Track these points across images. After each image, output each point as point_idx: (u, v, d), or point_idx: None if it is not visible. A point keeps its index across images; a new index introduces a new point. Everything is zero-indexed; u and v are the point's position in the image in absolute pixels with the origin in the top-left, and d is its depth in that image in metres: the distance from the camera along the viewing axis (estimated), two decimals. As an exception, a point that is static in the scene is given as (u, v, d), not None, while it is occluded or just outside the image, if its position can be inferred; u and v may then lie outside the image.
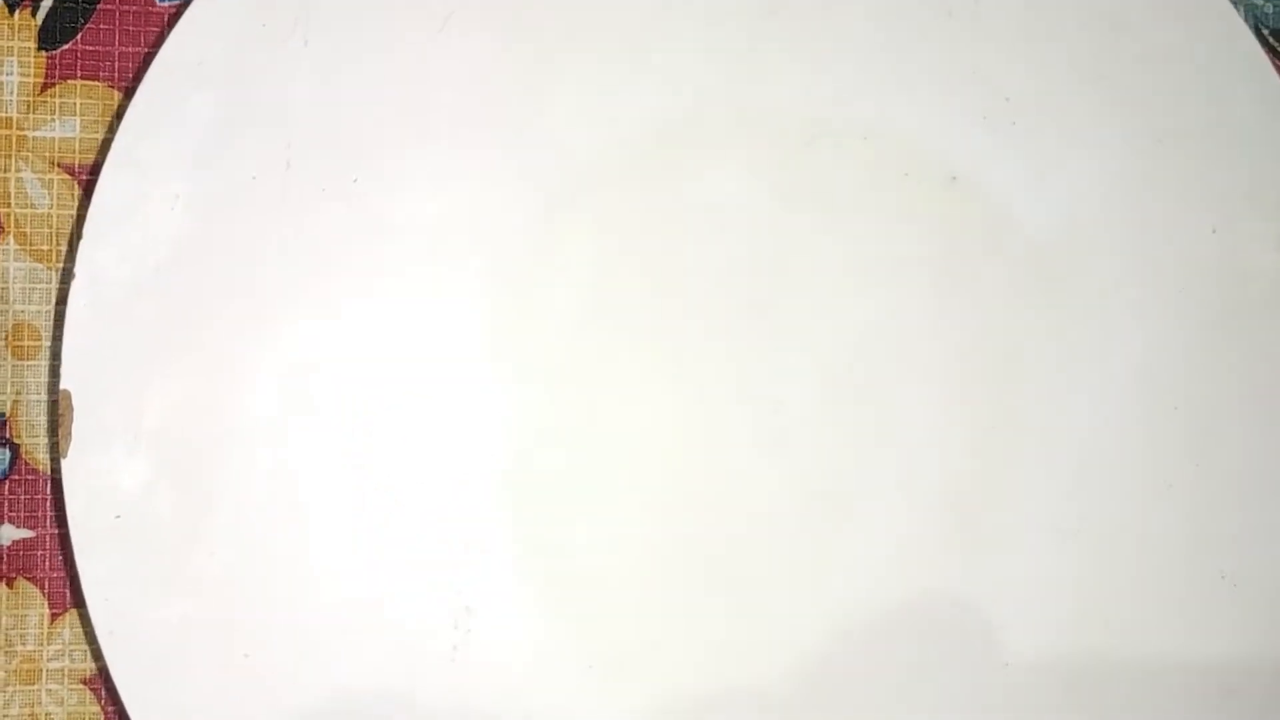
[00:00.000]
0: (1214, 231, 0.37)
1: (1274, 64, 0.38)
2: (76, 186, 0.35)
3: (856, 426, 0.35)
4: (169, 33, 0.34)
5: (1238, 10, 0.38)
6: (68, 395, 0.32)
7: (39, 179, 0.35)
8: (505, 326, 0.34)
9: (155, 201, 0.33)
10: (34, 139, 0.35)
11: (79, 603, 0.35)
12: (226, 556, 0.33)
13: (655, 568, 0.34)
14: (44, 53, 0.35)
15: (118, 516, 0.32)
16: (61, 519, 0.35)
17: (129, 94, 0.35)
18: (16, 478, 0.35)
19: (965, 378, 0.36)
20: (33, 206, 0.35)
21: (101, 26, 0.35)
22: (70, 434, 0.32)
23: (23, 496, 0.35)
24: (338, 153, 0.33)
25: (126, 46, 0.35)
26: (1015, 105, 0.36)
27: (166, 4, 0.35)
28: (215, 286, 0.33)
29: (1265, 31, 0.40)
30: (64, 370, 0.32)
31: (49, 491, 0.35)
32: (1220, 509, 0.36)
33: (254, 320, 0.33)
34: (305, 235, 0.33)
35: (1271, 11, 0.40)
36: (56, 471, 0.34)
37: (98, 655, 0.35)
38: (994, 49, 0.36)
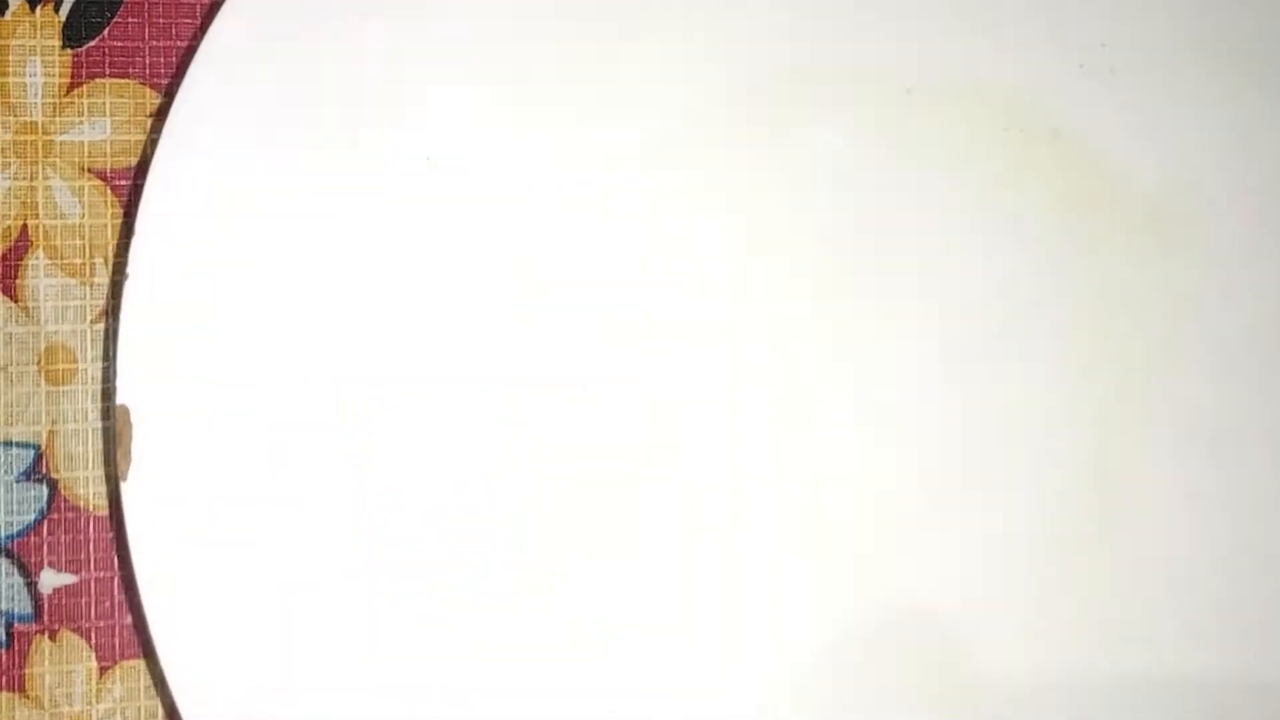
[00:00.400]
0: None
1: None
2: (110, 193, 0.32)
3: (966, 393, 0.33)
4: (205, 23, 0.32)
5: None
6: (125, 411, 0.29)
7: (69, 186, 0.32)
8: (583, 292, 0.31)
9: (209, 198, 0.30)
10: (62, 143, 0.32)
11: (132, 654, 0.31)
12: (302, 580, 0.29)
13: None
14: (69, 51, 0.32)
15: (183, 543, 0.29)
16: (109, 561, 0.31)
17: (164, 90, 0.32)
18: (56, 517, 0.31)
19: (1091, 340, 0.33)
20: (63, 217, 0.32)
21: (130, 20, 0.32)
22: (130, 454, 0.29)
23: (64, 538, 0.31)
24: (406, 132, 0.31)
25: (158, 40, 0.33)
26: (1112, 52, 0.34)
27: (201, -6, 0.33)
28: (278, 286, 0.30)
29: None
30: (119, 384, 0.29)
31: (94, 531, 0.31)
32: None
33: (319, 321, 0.30)
34: (372, 224, 0.30)
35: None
36: (108, 505, 0.31)
37: (153, 712, 0.31)
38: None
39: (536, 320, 0.31)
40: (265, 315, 0.30)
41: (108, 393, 0.31)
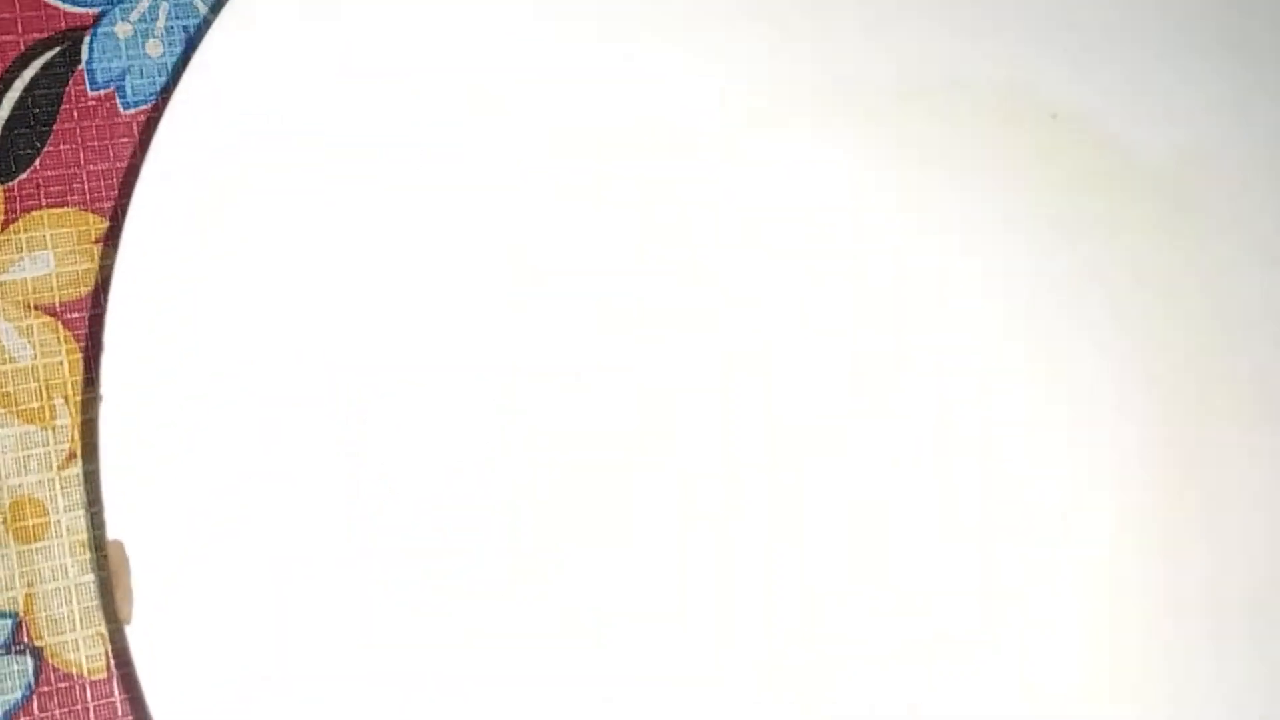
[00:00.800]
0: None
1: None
2: (62, 328, 0.29)
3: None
4: (144, 139, 0.30)
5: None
6: (119, 546, 0.26)
7: (15, 328, 0.29)
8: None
9: (171, 314, 0.27)
10: (3, 284, 0.29)
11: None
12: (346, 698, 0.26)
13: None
14: (0, 186, 0.30)
15: (211, 686, 0.26)
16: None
17: (108, 214, 0.30)
18: (47, 689, 0.28)
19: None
20: (13, 360, 0.29)
21: (63, 147, 0.30)
22: (130, 592, 0.26)
23: (58, 712, 0.28)
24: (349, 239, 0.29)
25: (96, 164, 0.31)
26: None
27: (132, 111, 0.31)
28: (251, 397, 0.28)
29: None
30: (109, 519, 0.26)
31: (92, 699, 0.28)
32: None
33: (298, 427, 0.28)
34: (326, 314, 0.29)
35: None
36: (104, 666, 0.28)
37: None
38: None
39: (530, 308, 0.31)
40: (250, 426, 0.28)
41: (90, 543, 0.28)
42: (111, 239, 0.30)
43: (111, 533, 0.26)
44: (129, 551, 0.26)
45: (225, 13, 0.29)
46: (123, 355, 0.27)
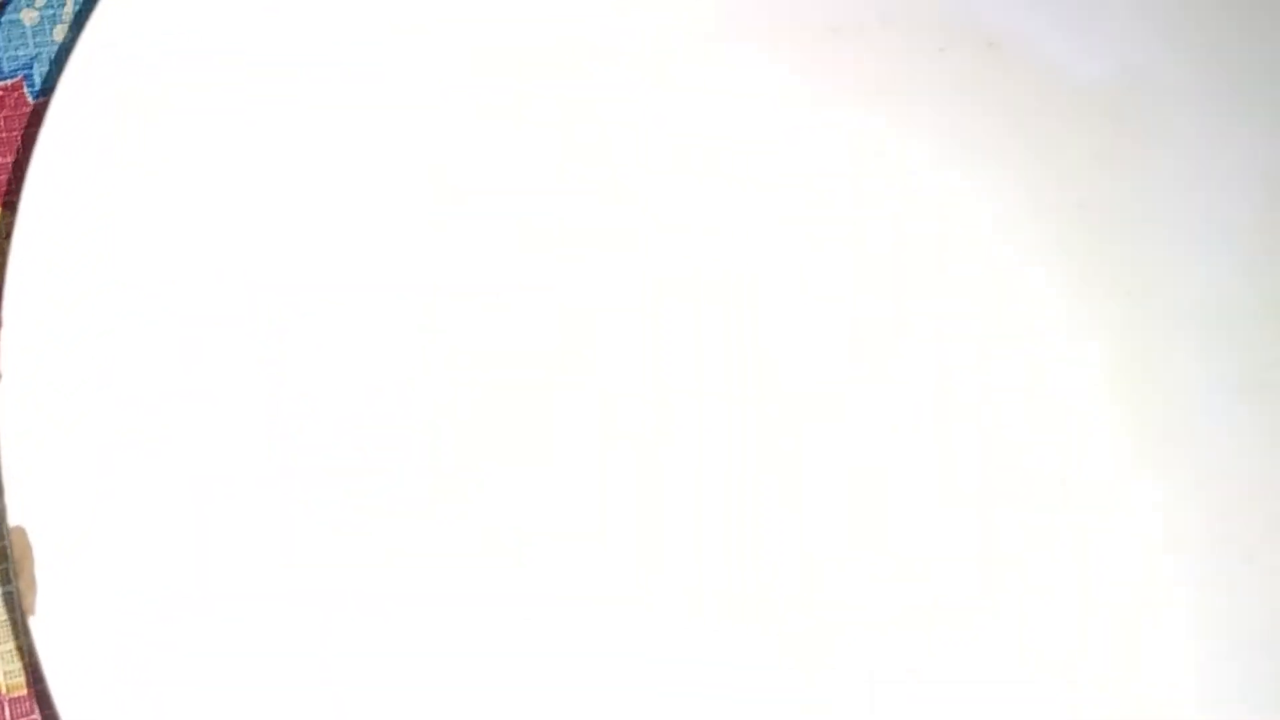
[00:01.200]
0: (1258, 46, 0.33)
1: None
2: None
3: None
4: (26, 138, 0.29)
5: None
6: (22, 533, 0.24)
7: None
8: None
9: (74, 289, 0.26)
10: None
11: None
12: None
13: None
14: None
15: (132, 691, 0.23)
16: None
17: (9, 207, 0.28)
18: (-41, 710, 0.25)
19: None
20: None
21: (-32, 149, 0.29)
22: (34, 580, 0.23)
23: (-26, 732, 0.25)
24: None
25: (4, 157, 0.29)
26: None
27: (41, 99, 0.29)
28: (161, 373, 0.26)
29: None
30: (8, 502, 0.24)
31: (9, 713, 0.25)
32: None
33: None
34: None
35: None
36: (30, 678, 0.25)
37: None
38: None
39: (451, 227, 0.30)
40: (155, 402, 0.26)
41: (2, 551, 0.26)
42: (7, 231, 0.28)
43: (13, 519, 0.24)
44: (31, 538, 0.23)
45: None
46: (22, 329, 0.25)
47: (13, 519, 0.24)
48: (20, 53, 0.30)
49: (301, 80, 0.29)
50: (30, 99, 0.29)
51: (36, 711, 0.26)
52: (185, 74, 0.28)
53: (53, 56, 0.30)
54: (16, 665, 0.26)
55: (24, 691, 0.26)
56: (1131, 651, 0.29)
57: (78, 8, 0.30)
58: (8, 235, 0.27)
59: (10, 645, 0.26)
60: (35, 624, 0.23)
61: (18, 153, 0.29)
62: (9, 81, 0.29)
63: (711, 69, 0.31)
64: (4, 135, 0.29)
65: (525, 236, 0.30)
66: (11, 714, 0.26)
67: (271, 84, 0.29)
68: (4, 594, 0.26)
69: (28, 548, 0.23)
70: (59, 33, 0.30)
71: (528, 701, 0.28)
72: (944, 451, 0.30)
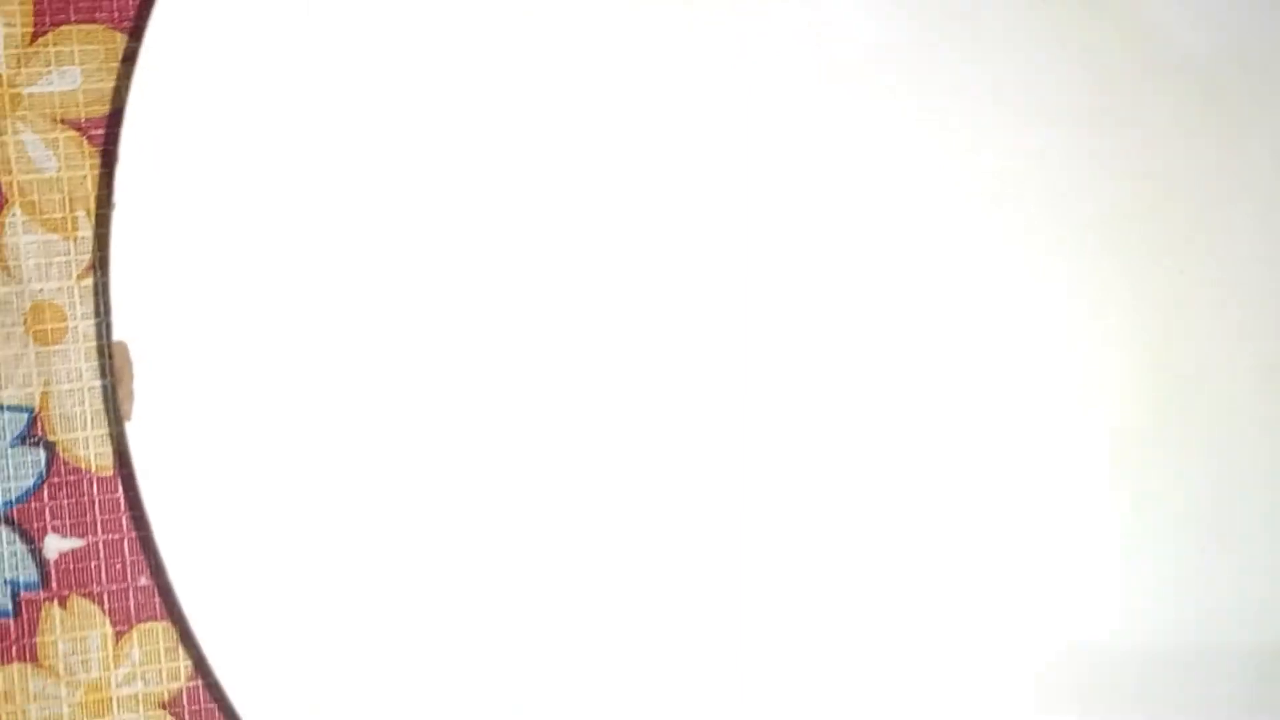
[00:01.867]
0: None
1: None
2: (87, 143, 0.31)
3: (999, 287, 0.32)
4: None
5: None
6: (124, 348, 0.28)
7: (42, 139, 0.31)
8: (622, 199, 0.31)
9: (188, 137, 0.29)
10: (30, 95, 0.31)
11: (149, 615, 0.30)
12: (328, 518, 0.28)
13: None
14: (31, -2, 0.31)
15: (199, 486, 0.28)
16: (118, 521, 0.30)
17: (132, 33, 0.31)
18: (57, 480, 0.30)
19: (1144, 223, 0.33)
20: (39, 171, 0.31)
21: (93, -38, 0.31)
22: (132, 393, 0.27)
23: (66, 501, 0.30)
24: (383, 61, 0.30)
25: (125, -18, 0.31)
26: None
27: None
28: (264, 221, 0.29)
29: None
30: (116, 322, 0.28)
31: (97, 491, 0.30)
32: None
33: (310, 252, 0.29)
34: (352, 151, 0.30)
35: None
36: (111, 460, 0.30)
37: (175, 674, 0.30)
38: None
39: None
40: (256, 241, 0.29)
41: (102, 350, 0.30)
42: (131, 59, 0.31)
43: (117, 334, 0.28)
44: (132, 354, 0.27)
45: None
46: (137, 167, 0.28)
47: (117, 335, 0.28)
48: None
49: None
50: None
51: (120, 489, 0.30)
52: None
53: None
54: (107, 449, 0.30)
55: (110, 473, 0.30)
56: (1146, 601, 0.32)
57: None
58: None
59: (104, 431, 0.30)
60: (130, 428, 0.27)
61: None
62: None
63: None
64: None
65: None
66: (98, 489, 0.30)
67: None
68: (103, 387, 0.30)
69: (128, 362, 0.27)
70: None
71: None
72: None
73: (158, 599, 0.30)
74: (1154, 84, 0.33)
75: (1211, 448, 0.32)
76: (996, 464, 0.32)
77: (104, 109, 0.31)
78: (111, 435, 0.30)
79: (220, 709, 0.29)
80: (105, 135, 0.31)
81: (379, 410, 0.29)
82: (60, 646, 0.30)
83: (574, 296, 0.31)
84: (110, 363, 0.28)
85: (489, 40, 0.31)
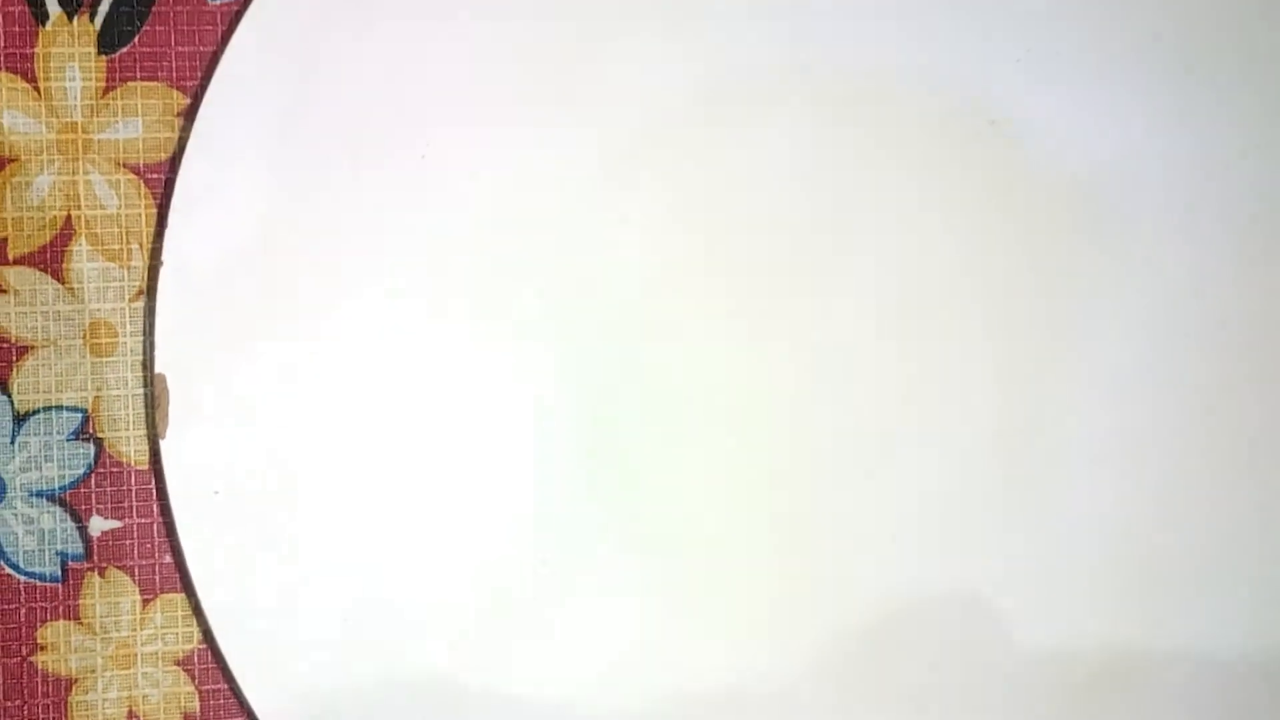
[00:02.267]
0: (1244, 155, 0.39)
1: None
2: (143, 186, 0.36)
3: (907, 365, 0.37)
4: (228, 30, 0.36)
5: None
6: (163, 379, 0.33)
7: (106, 180, 0.36)
8: (573, 284, 0.36)
9: (233, 190, 0.34)
10: (99, 141, 0.36)
11: (170, 588, 0.36)
12: (322, 522, 0.34)
13: (710, 492, 0.37)
14: (104, 57, 0.36)
15: (216, 492, 0.34)
16: (149, 508, 0.36)
17: (190, 92, 0.36)
18: (102, 471, 0.36)
19: (1016, 316, 0.38)
20: (102, 207, 0.36)
21: (158, 28, 0.36)
22: (167, 416, 0.33)
23: (109, 489, 0.36)
24: (404, 131, 0.35)
25: (183, 46, 0.36)
26: (1046, 47, 0.37)
27: (218, 2, 0.37)
28: (295, 265, 0.34)
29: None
30: (157, 355, 0.33)
31: (135, 482, 0.36)
32: (1260, 428, 0.38)
33: (333, 293, 0.35)
34: (377, 210, 0.35)
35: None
36: (148, 460, 0.36)
37: (189, 638, 0.36)
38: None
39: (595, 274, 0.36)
40: (285, 293, 0.35)
41: (146, 363, 0.36)
42: (190, 114, 0.36)
43: (158, 368, 0.33)
44: (169, 384, 0.33)
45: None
46: (183, 230, 0.33)
47: (158, 368, 0.33)
48: (208, -40, 0.37)
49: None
50: (209, 1, 0.37)
51: (153, 482, 0.36)
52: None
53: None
54: (145, 447, 0.36)
55: (146, 467, 0.36)
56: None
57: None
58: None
59: (143, 432, 0.36)
60: (164, 445, 0.33)
61: (196, 46, 0.37)
62: (196, -17, 0.36)
63: (738, 121, 0.37)
64: (185, 29, 0.36)
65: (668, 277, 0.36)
66: (135, 480, 0.36)
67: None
68: (145, 395, 0.36)
69: (165, 391, 0.33)
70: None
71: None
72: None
73: (177, 575, 0.36)
74: (1037, 193, 0.38)
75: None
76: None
77: (160, 156, 0.36)
78: (149, 437, 0.36)
79: (220, 669, 0.36)
80: (160, 180, 0.36)
81: (366, 425, 0.35)
82: (98, 609, 0.36)
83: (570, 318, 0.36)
84: (151, 389, 0.34)
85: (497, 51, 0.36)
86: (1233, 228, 0.38)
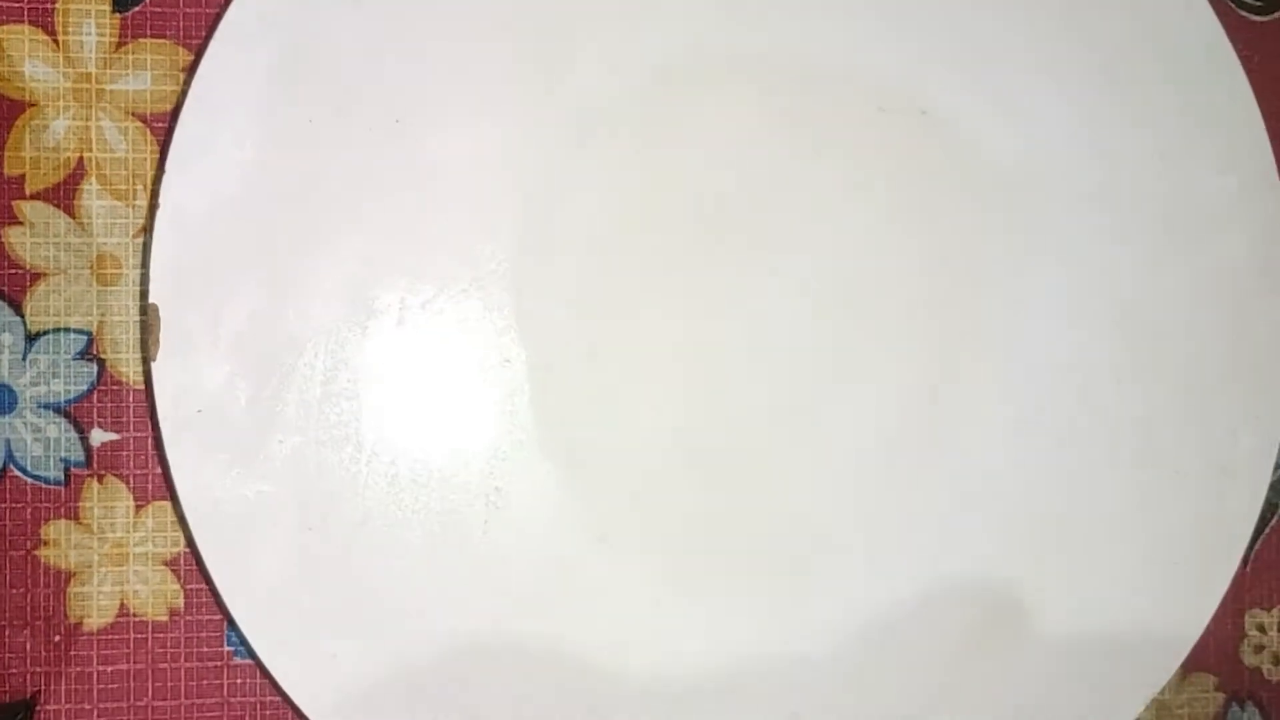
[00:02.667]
0: (1162, 157, 0.42)
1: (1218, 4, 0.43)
2: (149, 133, 0.40)
3: (835, 336, 0.41)
4: (228, -4, 0.40)
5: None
6: (155, 308, 0.37)
7: (117, 127, 0.40)
8: (531, 245, 0.39)
9: (226, 142, 0.38)
10: (111, 91, 0.40)
11: (160, 496, 0.40)
12: (292, 443, 0.38)
13: (660, 455, 0.40)
14: (118, 15, 0.40)
15: (199, 410, 0.38)
16: (144, 424, 0.40)
17: (195, 50, 0.40)
18: (104, 388, 0.40)
19: (936, 295, 0.41)
20: (111, 151, 0.40)
21: (167, -10, 0.40)
22: (158, 341, 0.37)
23: (110, 404, 0.40)
24: (382, 97, 0.39)
25: (189, 8, 0.40)
26: (981, 46, 0.41)
27: None
28: (278, 214, 0.38)
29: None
30: (152, 287, 0.37)
31: (132, 400, 0.40)
32: (1161, 399, 0.42)
33: (312, 242, 0.38)
34: (355, 169, 0.38)
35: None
36: (143, 380, 0.40)
37: (175, 541, 0.40)
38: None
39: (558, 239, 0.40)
40: (266, 237, 0.38)
41: (145, 295, 0.40)
42: (191, 70, 0.40)
43: (152, 298, 0.37)
44: (161, 314, 0.37)
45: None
46: (178, 177, 0.37)
47: (152, 298, 0.37)
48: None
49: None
50: None
51: (147, 400, 0.40)
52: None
53: None
54: (141, 369, 0.40)
55: (142, 387, 0.40)
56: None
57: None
58: None
59: (139, 355, 0.40)
60: (155, 368, 0.37)
61: (201, 7, 0.40)
62: None
63: (689, 102, 0.40)
64: None
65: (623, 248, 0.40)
66: (132, 398, 0.40)
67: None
68: (142, 324, 0.40)
69: (158, 320, 0.37)
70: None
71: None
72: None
73: (165, 485, 0.40)
74: (962, 183, 0.41)
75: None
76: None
77: (165, 107, 0.40)
78: (144, 360, 0.40)
79: (200, 571, 0.40)
80: (164, 129, 0.40)
81: (335, 360, 0.39)
82: (96, 511, 0.40)
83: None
84: (143, 316, 0.38)
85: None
86: (1139, 219, 0.42)
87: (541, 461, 0.39)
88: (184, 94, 0.39)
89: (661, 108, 0.40)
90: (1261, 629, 0.45)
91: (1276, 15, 0.46)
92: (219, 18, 0.39)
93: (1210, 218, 0.42)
